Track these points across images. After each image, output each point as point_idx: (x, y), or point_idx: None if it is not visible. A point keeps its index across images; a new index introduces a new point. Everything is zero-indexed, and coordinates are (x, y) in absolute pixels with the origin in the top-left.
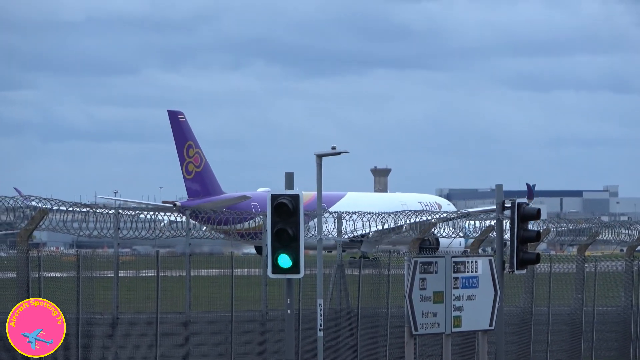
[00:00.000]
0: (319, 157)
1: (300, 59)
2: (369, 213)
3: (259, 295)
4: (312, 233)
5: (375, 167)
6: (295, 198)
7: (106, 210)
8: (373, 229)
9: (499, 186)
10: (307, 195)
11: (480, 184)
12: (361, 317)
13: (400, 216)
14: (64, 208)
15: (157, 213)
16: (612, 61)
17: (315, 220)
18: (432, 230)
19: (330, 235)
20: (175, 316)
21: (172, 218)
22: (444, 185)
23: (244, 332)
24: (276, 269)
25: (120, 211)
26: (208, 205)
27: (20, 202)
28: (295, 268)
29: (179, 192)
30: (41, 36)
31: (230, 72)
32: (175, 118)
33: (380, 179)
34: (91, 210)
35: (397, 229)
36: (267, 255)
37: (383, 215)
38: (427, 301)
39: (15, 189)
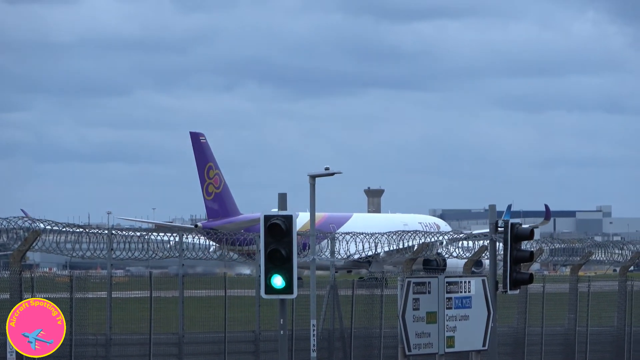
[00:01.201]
0: (312, 177)
1: (293, 80)
2: (362, 234)
3: (252, 316)
4: (321, 255)
5: (369, 187)
6: (289, 219)
7: (99, 231)
8: (381, 249)
9: (492, 206)
10: (317, 216)
11: (473, 204)
12: (354, 337)
13: (404, 237)
14: (57, 229)
15: (150, 233)
16: (605, 82)
17: (325, 241)
18: (439, 250)
19: (324, 257)
20: (168, 337)
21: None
22: (437, 205)
23: (238, 353)
24: (269, 289)
25: (113, 232)
26: (230, 226)
27: (13, 224)
28: (288, 288)
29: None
30: (33, 58)
31: (224, 93)
32: (196, 139)
33: (374, 199)
34: (84, 231)
35: (408, 249)
36: (260, 276)
37: (376, 235)
38: (420, 321)
39: (22, 210)
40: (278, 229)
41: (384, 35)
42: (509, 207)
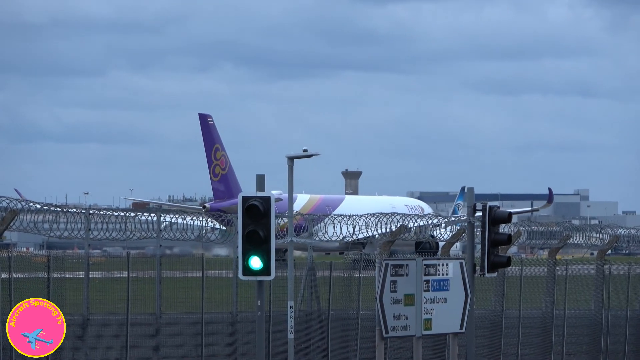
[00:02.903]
0: (291, 159)
1: (268, 62)
2: (341, 215)
3: (229, 297)
4: (319, 236)
5: (347, 169)
6: (267, 200)
7: (77, 210)
8: (376, 232)
9: (470, 189)
10: (314, 198)
11: (451, 187)
12: (332, 319)
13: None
14: (35, 208)
15: (128, 213)
16: (581, 66)
17: (321, 224)
18: (432, 233)
19: (302, 240)
20: (145, 317)
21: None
22: (415, 188)
23: (215, 334)
24: (247, 270)
25: (91, 212)
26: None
27: None
28: (266, 270)
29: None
30: (6, 38)
31: (199, 74)
32: (205, 121)
33: (351, 181)
34: (62, 211)
35: (402, 229)
36: (237, 257)
37: (354, 217)
38: (398, 304)
39: (15, 190)
40: (256, 210)
41: (358, 17)
42: (463, 189)
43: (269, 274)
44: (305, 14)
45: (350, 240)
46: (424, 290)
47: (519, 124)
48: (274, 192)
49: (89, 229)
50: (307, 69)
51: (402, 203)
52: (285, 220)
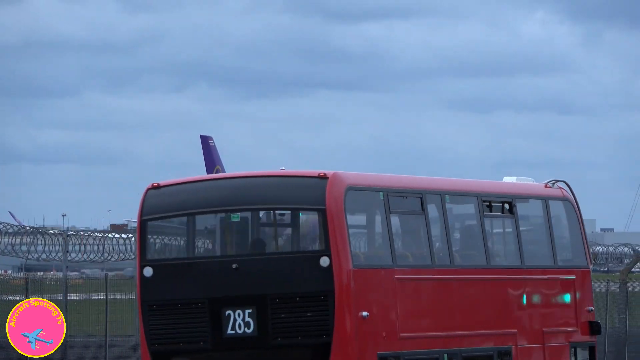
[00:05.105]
0: None
1: (243, 81)
2: None
3: None
4: None
5: None
6: None
7: (55, 231)
8: None
9: None
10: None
11: None
12: None
13: None
14: (12, 231)
15: (106, 234)
16: (555, 82)
17: None
18: None
19: None
20: (124, 339)
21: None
22: None
23: None
24: None
25: (69, 233)
26: None
27: None
28: None
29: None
30: None
31: (174, 94)
32: (206, 142)
33: None
34: (40, 233)
35: None
36: None
37: None
38: None
39: (10, 212)
40: None
41: (333, 36)
42: None
43: None
44: (279, 33)
45: None
46: None
47: (495, 141)
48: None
49: (67, 251)
50: (282, 87)
51: None
52: None
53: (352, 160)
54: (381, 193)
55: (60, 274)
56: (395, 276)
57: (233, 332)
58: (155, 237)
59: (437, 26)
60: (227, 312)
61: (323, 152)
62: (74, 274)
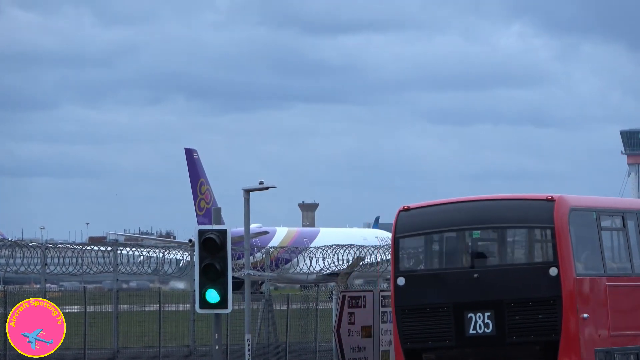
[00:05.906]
0: (247, 192)
1: (220, 93)
2: (297, 248)
3: (187, 331)
4: (296, 269)
5: (303, 201)
6: (223, 233)
7: (33, 244)
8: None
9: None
10: (292, 231)
11: None
12: (289, 352)
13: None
14: None
15: (84, 247)
16: (531, 95)
17: (300, 257)
18: None
19: (259, 274)
20: (103, 352)
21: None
22: (371, 219)
23: None
24: (204, 304)
25: (47, 246)
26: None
27: None
28: (223, 303)
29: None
30: None
31: (151, 107)
32: (190, 155)
33: (308, 213)
34: (18, 246)
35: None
36: (195, 291)
37: (311, 250)
38: (355, 335)
39: None
40: (212, 244)
41: (309, 49)
42: (377, 218)
43: (226, 307)
44: (255, 45)
45: (316, 272)
46: (382, 322)
47: (472, 154)
48: (253, 225)
49: (46, 264)
50: (258, 100)
51: (372, 235)
52: (259, 256)
53: (331, 173)
54: (594, 213)
55: (38, 287)
56: (607, 283)
57: (474, 332)
58: (406, 251)
59: (414, 39)
60: (469, 315)
61: (300, 165)
62: (53, 287)
